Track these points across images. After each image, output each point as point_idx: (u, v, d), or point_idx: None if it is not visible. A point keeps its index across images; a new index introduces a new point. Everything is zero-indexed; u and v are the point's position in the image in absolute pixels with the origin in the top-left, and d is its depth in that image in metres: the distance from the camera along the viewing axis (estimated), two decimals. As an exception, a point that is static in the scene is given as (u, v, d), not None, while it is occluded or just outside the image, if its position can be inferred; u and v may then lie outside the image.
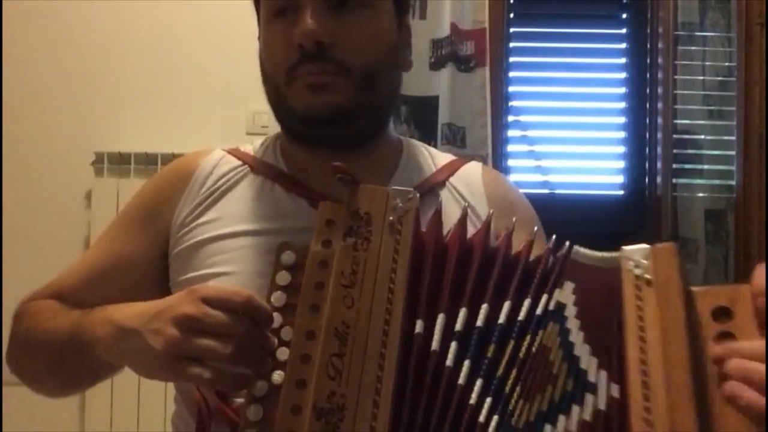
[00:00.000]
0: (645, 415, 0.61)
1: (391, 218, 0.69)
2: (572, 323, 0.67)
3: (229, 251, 0.85)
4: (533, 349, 0.66)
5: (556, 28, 2.38)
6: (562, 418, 0.63)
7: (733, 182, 2.23)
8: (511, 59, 2.34)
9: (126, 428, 2.07)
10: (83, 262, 0.94)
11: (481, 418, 0.63)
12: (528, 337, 0.66)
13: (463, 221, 0.73)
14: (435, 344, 0.66)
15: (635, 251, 0.68)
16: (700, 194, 2.25)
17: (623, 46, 2.37)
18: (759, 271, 0.62)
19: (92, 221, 2.16)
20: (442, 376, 0.65)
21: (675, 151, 2.26)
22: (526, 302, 0.68)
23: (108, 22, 2.24)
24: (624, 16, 2.38)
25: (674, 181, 2.25)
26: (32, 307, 0.89)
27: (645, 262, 0.67)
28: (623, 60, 2.37)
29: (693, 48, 2.26)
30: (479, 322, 0.67)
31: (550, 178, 2.35)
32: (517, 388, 0.64)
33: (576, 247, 0.71)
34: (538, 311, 0.68)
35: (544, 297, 0.68)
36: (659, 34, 2.30)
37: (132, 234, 0.92)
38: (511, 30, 2.33)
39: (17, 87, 2.21)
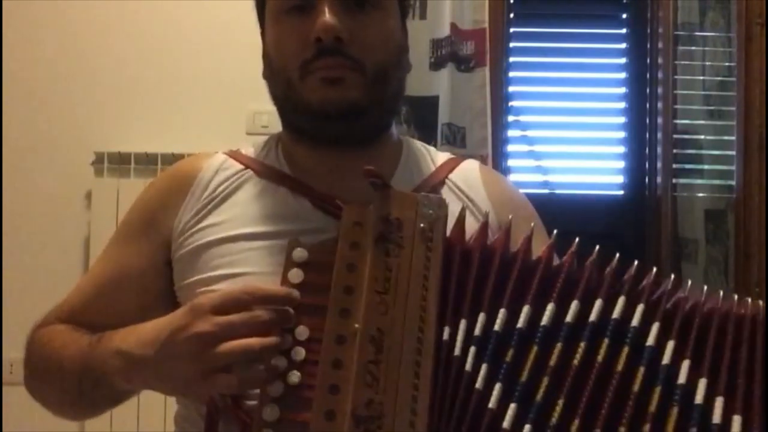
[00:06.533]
0: None
1: (422, 225, 0.69)
2: (666, 351, 0.65)
3: (235, 253, 0.85)
4: (575, 361, 0.65)
5: (556, 28, 2.38)
6: None
7: (733, 182, 2.23)
8: (511, 59, 2.34)
9: (126, 428, 2.07)
10: (90, 278, 0.94)
11: (506, 424, 0.63)
12: (558, 345, 0.66)
13: (484, 227, 0.73)
14: (457, 350, 0.66)
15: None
16: (700, 194, 2.25)
17: (623, 46, 2.38)
18: None
19: (92, 221, 2.15)
20: (461, 381, 0.65)
21: (675, 151, 2.26)
22: (549, 307, 0.67)
23: (108, 22, 2.24)
24: (624, 16, 2.38)
25: (674, 181, 2.25)
26: (44, 335, 0.89)
27: None
28: (623, 60, 2.37)
29: (693, 48, 2.26)
30: (497, 327, 0.67)
31: (550, 178, 2.35)
32: (560, 401, 0.63)
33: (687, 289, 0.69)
34: (569, 319, 0.67)
35: (574, 304, 0.67)
36: (659, 34, 2.30)
37: (135, 244, 0.91)
38: (511, 30, 2.33)
39: (17, 87, 2.21)
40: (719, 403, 0.63)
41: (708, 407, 0.63)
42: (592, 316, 0.67)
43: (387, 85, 0.89)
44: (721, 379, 0.64)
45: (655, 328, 0.66)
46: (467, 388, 0.65)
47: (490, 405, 0.64)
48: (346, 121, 0.87)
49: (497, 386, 0.64)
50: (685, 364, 0.65)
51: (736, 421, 0.63)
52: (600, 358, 0.65)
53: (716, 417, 0.63)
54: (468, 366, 0.65)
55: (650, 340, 0.66)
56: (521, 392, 0.64)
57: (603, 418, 0.63)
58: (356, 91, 0.85)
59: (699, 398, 0.64)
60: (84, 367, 0.80)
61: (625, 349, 0.65)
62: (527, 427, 0.63)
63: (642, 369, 0.64)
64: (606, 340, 0.66)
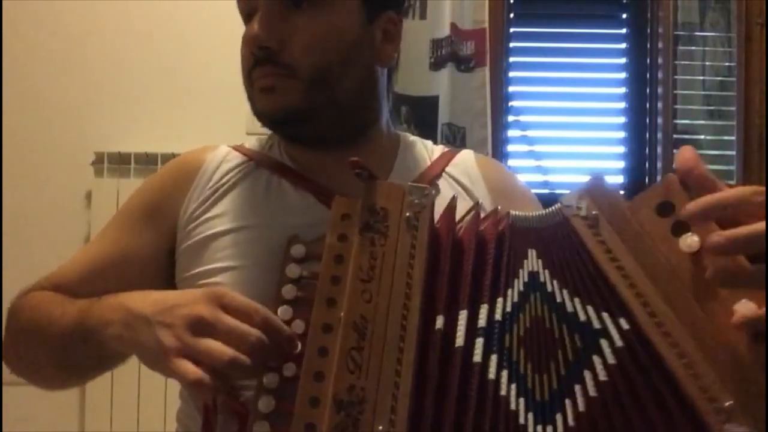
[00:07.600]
0: (665, 337, 0.62)
1: (408, 214, 0.70)
2: (552, 286, 0.68)
3: (237, 245, 0.85)
4: (527, 324, 0.67)
5: (556, 28, 2.38)
6: (587, 373, 0.63)
7: (733, 182, 2.23)
8: (511, 59, 2.34)
9: (126, 428, 2.07)
10: (85, 256, 0.93)
11: (512, 406, 0.64)
12: (521, 315, 0.67)
13: (476, 216, 0.73)
14: (459, 340, 0.66)
15: (570, 198, 0.70)
16: (700, 194, 2.25)
17: (623, 46, 2.38)
18: (681, 152, 0.64)
19: (92, 221, 2.15)
20: (471, 372, 0.65)
21: (675, 151, 2.26)
22: (516, 283, 0.69)
23: (108, 22, 2.24)
24: (624, 16, 2.38)
25: (674, 181, 2.25)
26: (32, 298, 0.88)
27: (583, 202, 0.68)
28: (623, 60, 2.37)
29: (693, 48, 2.26)
30: (497, 316, 0.67)
31: (550, 178, 2.35)
32: (529, 365, 0.65)
33: (514, 214, 0.72)
34: (521, 288, 0.68)
35: (521, 273, 0.69)
36: (659, 34, 2.30)
37: (136, 229, 0.91)
38: (511, 30, 2.33)
39: (17, 87, 2.21)
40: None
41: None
42: (521, 286, 0.69)
43: (335, 85, 0.87)
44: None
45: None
46: (481, 381, 0.64)
47: (502, 392, 0.64)
48: (291, 126, 0.88)
49: (504, 373, 0.65)
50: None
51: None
52: (546, 316, 0.67)
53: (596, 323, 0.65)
54: (477, 357, 0.65)
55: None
56: (515, 370, 0.65)
57: (540, 367, 0.65)
58: (289, 98, 0.85)
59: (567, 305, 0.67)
60: (79, 321, 0.80)
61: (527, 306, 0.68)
62: (521, 401, 0.64)
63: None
64: (533, 296, 0.68)
